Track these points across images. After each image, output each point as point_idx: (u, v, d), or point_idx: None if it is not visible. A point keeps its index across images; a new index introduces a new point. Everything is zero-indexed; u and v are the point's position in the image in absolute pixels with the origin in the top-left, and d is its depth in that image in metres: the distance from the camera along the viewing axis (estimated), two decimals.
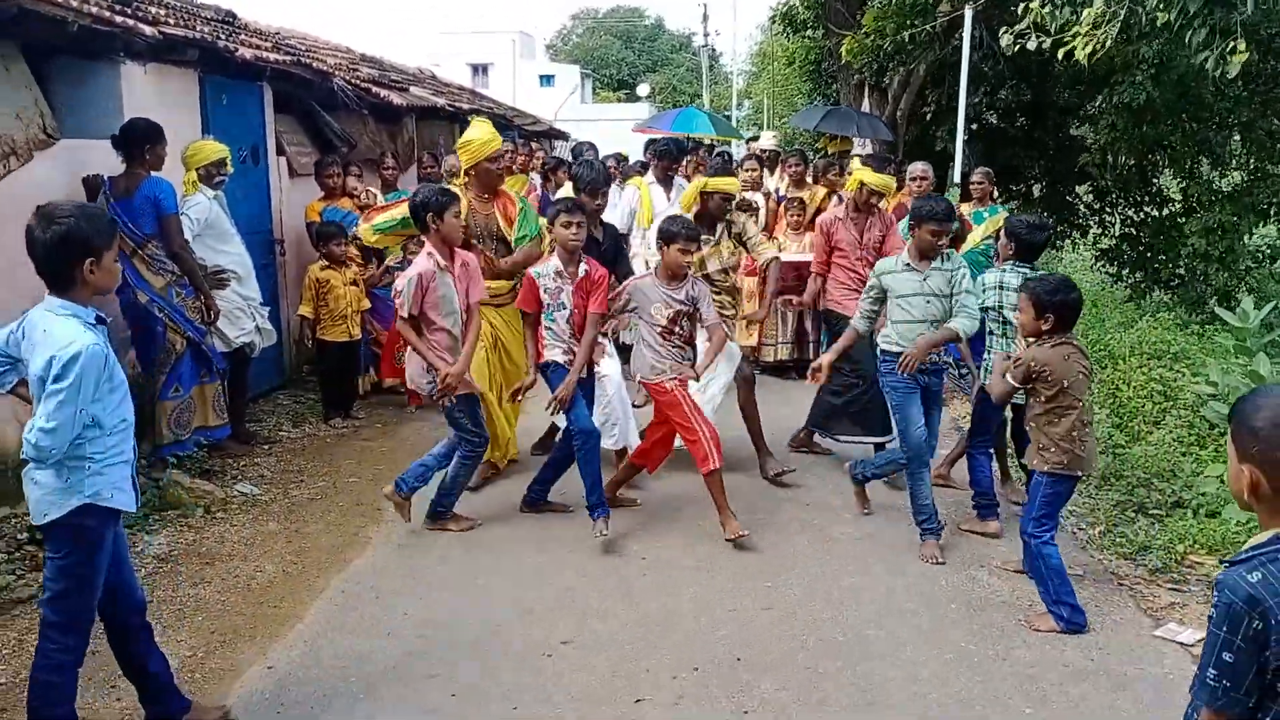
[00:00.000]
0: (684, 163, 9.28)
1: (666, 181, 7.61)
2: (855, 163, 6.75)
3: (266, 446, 6.65)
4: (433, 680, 3.76)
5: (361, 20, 75.00)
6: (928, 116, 13.59)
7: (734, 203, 6.24)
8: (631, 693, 3.69)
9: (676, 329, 5.15)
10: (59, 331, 2.93)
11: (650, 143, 9.85)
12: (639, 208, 7.44)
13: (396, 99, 9.98)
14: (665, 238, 5.10)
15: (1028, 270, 5.09)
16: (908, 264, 5.01)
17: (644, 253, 7.00)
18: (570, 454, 5.21)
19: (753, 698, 3.66)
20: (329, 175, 7.63)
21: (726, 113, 28.53)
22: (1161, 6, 6.30)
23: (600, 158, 8.64)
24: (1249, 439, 1.95)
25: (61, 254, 2.96)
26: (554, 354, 5.16)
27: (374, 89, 9.44)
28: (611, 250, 5.90)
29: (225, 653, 3.98)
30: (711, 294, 5.49)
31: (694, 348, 5.32)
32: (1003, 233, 5.35)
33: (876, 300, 5.16)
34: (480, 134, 5.70)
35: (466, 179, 5.82)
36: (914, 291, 4.97)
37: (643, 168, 9.11)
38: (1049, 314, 4.18)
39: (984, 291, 5.24)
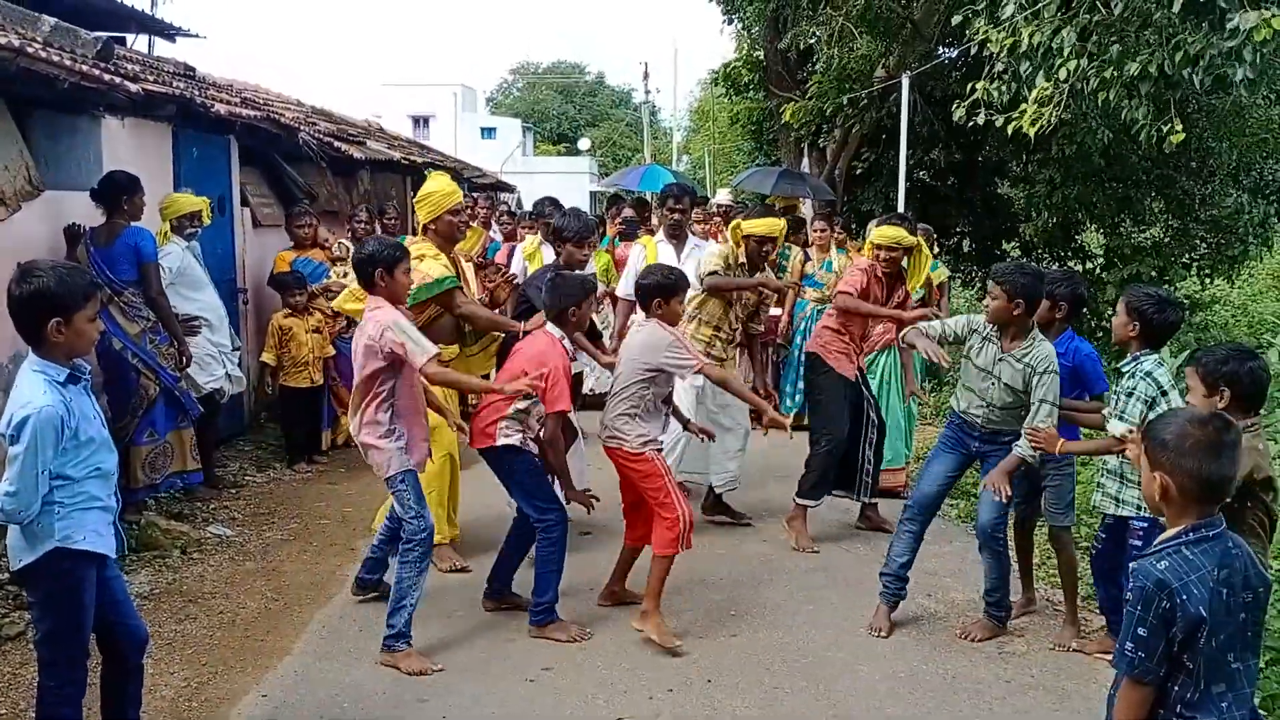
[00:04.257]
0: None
1: (678, 238, 6.50)
2: (872, 226, 6.33)
3: (234, 490, 6.79)
4: (424, 705, 3.98)
5: (307, 72, 75.45)
6: (861, 174, 14.23)
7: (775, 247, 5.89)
8: (612, 711, 3.94)
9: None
10: (22, 390, 3.03)
11: (613, 200, 10.09)
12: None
13: (356, 153, 10.25)
14: (670, 291, 4.62)
15: (1154, 360, 4.06)
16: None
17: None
18: (529, 533, 4.73)
19: (724, 714, 3.94)
20: (300, 226, 7.81)
21: (668, 168, 29.20)
22: (1101, 87, 6.87)
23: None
24: (1160, 451, 2.34)
25: (29, 312, 3.02)
26: (511, 438, 4.58)
27: (335, 143, 9.70)
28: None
29: (219, 683, 4.14)
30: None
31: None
32: (1121, 310, 4.16)
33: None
34: (441, 186, 5.41)
35: (426, 234, 5.41)
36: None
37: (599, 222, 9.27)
38: (1223, 388, 3.25)
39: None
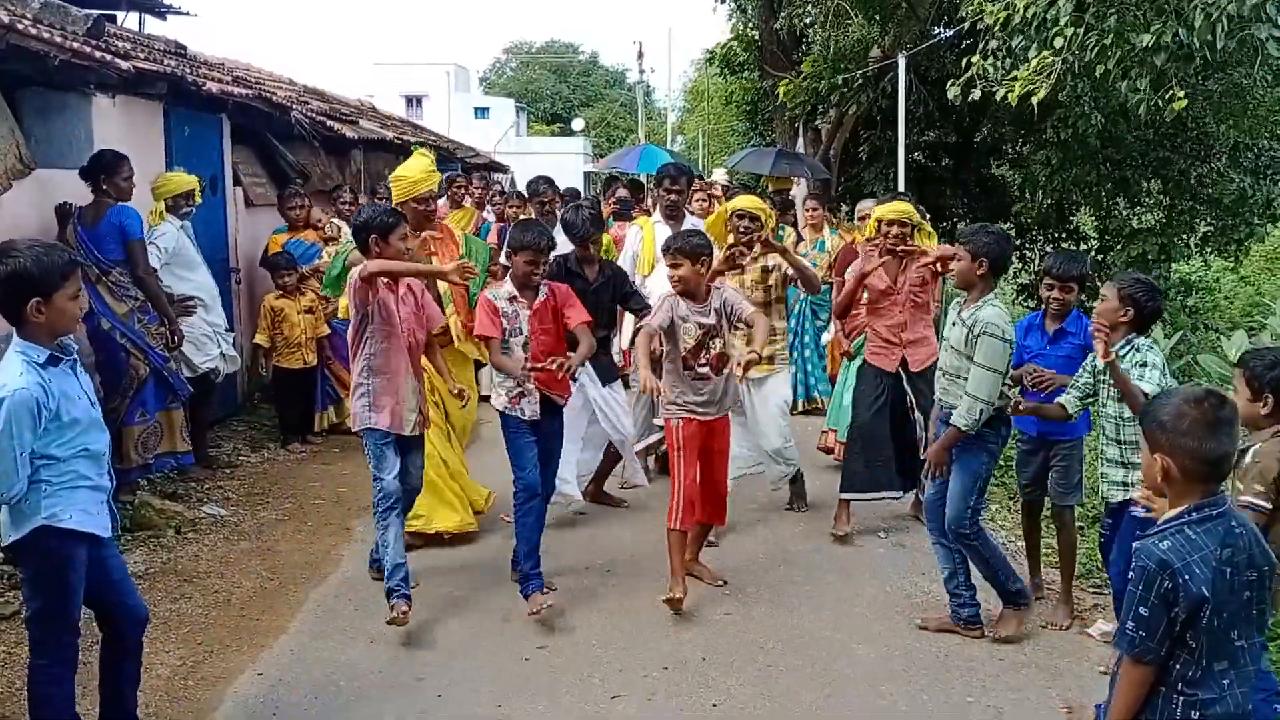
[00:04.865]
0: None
1: (675, 218, 6.33)
2: (866, 205, 6.55)
3: (228, 470, 6.79)
4: (419, 683, 3.99)
5: (299, 51, 75.04)
6: (862, 157, 14.19)
7: (761, 225, 5.56)
8: (607, 690, 3.96)
9: (701, 355, 4.63)
10: (0, 372, 3.02)
11: (610, 180, 10.01)
12: (641, 250, 6.44)
13: (349, 133, 10.20)
14: (677, 251, 4.62)
15: (1147, 344, 4.07)
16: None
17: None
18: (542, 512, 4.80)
19: (719, 693, 3.96)
20: (292, 207, 7.76)
21: (665, 148, 29.16)
22: (1099, 58, 6.82)
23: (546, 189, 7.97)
24: (1158, 432, 2.34)
25: (8, 294, 3.00)
26: (499, 399, 4.74)
27: (328, 122, 9.65)
28: (608, 292, 5.53)
29: (214, 662, 4.15)
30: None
31: (721, 383, 4.72)
32: (1112, 297, 4.08)
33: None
34: (414, 171, 5.35)
35: None
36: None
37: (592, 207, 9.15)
38: (1268, 394, 3.14)
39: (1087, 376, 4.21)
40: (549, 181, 7.93)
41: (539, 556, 4.68)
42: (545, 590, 4.69)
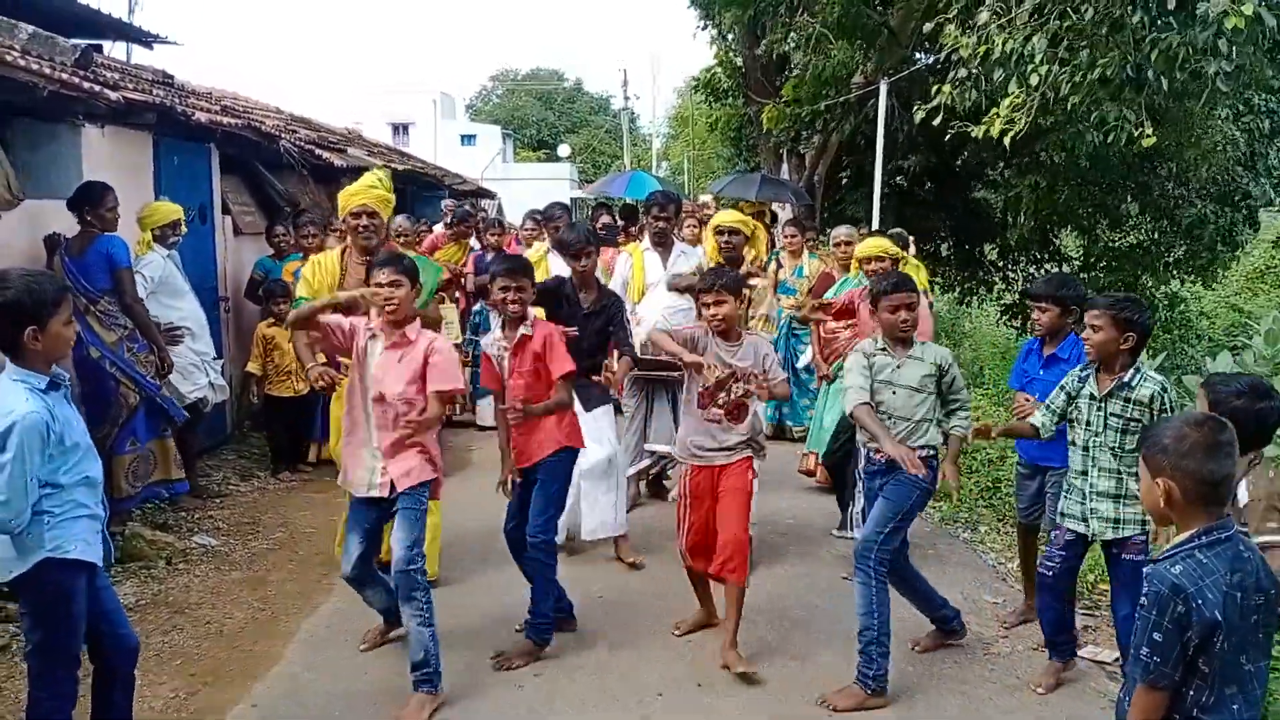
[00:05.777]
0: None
1: (664, 245, 6.31)
2: (841, 231, 7.05)
3: (219, 500, 6.76)
4: None
5: (286, 79, 75.23)
6: (843, 181, 14.30)
7: (746, 239, 5.50)
8: (602, 717, 3.95)
9: (719, 397, 4.37)
10: (3, 400, 3.02)
11: (598, 207, 10.07)
12: (631, 278, 6.33)
13: (337, 160, 10.23)
14: (723, 287, 4.34)
15: (1152, 371, 3.99)
16: (882, 348, 4.34)
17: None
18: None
19: (716, 717, 3.95)
20: (305, 235, 7.66)
21: (652, 174, 29.28)
22: (1072, 92, 6.96)
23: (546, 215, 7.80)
24: (1160, 456, 2.35)
25: (4, 323, 3.02)
26: None
27: (316, 150, 9.68)
28: (599, 321, 5.30)
29: (208, 694, 4.12)
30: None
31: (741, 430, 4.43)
32: (1107, 325, 3.91)
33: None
34: (353, 186, 5.11)
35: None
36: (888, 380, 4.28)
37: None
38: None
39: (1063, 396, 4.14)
40: (565, 208, 7.91)
41: (541, 604, 4.45)
42: (539, 646, 4.45)
